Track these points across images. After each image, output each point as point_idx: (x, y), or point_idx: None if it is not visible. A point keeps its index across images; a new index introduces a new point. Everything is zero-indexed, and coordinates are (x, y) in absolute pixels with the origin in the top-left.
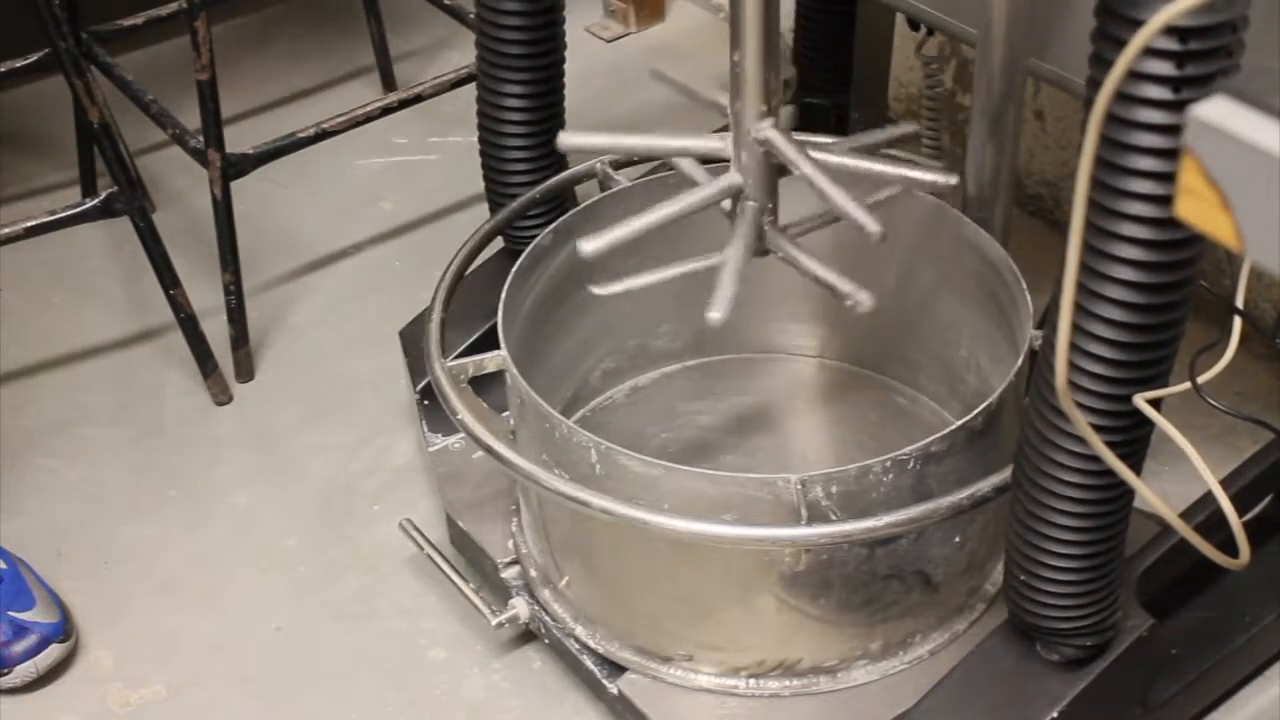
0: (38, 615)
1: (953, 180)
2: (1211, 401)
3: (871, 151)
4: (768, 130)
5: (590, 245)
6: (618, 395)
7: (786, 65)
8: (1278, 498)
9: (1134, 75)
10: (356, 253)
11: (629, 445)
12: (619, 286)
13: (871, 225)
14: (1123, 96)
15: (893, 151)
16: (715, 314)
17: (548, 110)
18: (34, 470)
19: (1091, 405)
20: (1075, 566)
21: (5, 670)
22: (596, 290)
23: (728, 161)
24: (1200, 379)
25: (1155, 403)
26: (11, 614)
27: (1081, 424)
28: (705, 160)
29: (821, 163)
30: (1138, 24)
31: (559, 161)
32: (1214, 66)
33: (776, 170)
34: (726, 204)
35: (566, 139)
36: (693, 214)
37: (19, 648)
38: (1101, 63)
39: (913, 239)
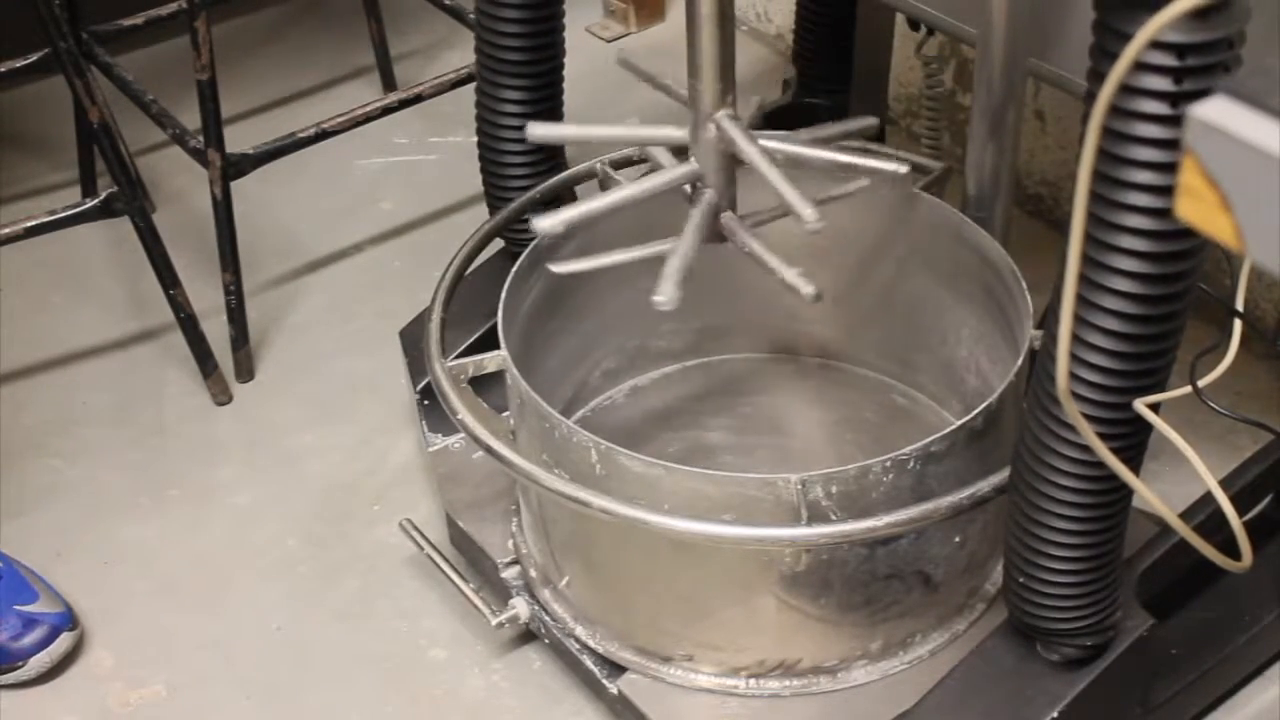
0: (43, 607)
1: (902, 170)
2: (1212, 405)
3: (830, 142)
4: (722, 119)
5: (544, 223)
6: (618, 395)
7: (786, 65)
8: (1278, 498)
9: (1132, 90)
10: (356, 253)
11: (629, 445)
12: (574, 265)
13: (809, 214)
14: (1120, 111)
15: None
16: (661, 298)
17: (547, 116)
18: (34, 470)
19: (1091, 408)
20: (1075, 568)
21: (20, 663)
22: (553, 267)
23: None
24: (1200, 382)
25: (1155, 404)
26: (17, 608)
27: (1083, 426)
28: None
29: (771, 150)
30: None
31: (557, 164)
32: (1211, 82)
33: (734, 159)
34: (689, 190)
35: (535, 130)
36: (649, 198)
37: (30, 639)
38: (1099, 78)
39: (913, 239)
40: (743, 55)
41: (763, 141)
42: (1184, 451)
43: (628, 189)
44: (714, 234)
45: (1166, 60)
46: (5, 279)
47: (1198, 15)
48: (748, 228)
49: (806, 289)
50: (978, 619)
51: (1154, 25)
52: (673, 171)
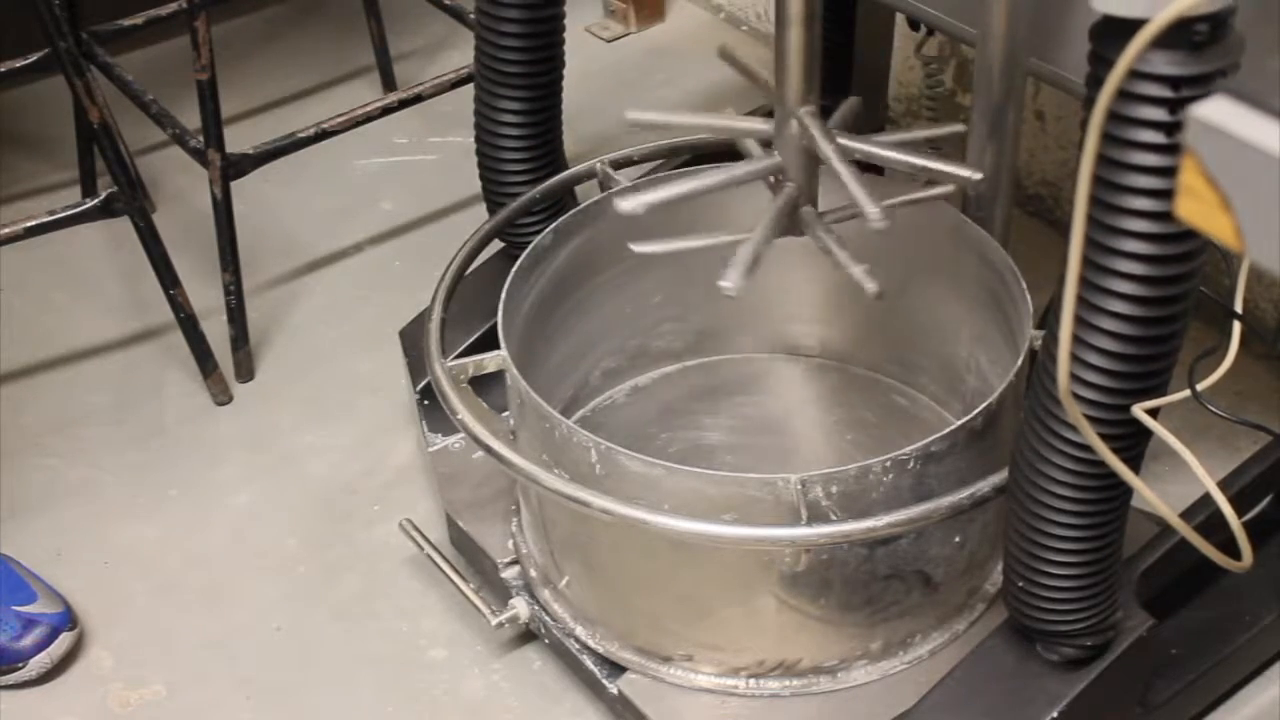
0: (42, 607)
1: (977, 175)
2: (1212, 408)
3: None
4: (804, 115)
5: (628, 204)
6: (618, 395)
7: None
8: (1277, 498)
9: (1128, 120)
10: (356, 253)
11: (629, 445)
12: (656, 247)
13: (873, 211)
14: (1117, 140)
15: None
16: (727, 284)
17: (546, 124)
18: (34, 470)
19: (1092, 411)
20: (1074, 569)
21: (20, 665)
22: (636, 248)
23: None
24: (1200, 385)
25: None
26: (16, 608)
27: (1085, 428)
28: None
29: (847, 149)
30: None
31: (556, 165)
32: None
33: (816, 156)
34: (772, 181)
35: (632, 115)
36: (731, 187)
37: (30, 640)
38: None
39: (913, 239)
40: (743, 55)
41: (841, 140)
42: (1184, 456)
43: (711, 176)
44: (791, 227)
45: (1162, 92)
46: (5, 279)
47: (1192, 48)
48: (824, 223)
49: (870, 286)
50: (978, 619)
51: (1130, 53)
52: (756, 163)
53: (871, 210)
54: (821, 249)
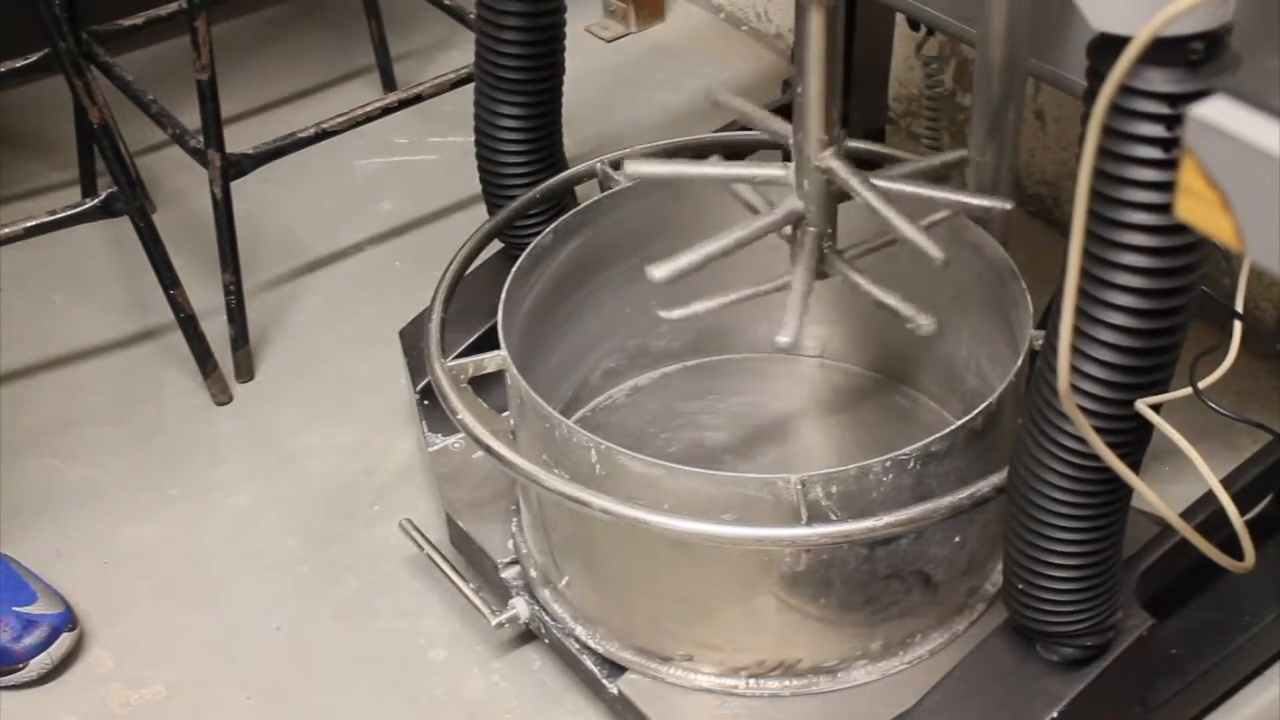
0: (42, 608)
1: (1006, 206)
2: (1214, 406)
3: (924, 177)
4: (830, 160)
5: (660, 272)
6: (618, 395)
7: (787, 65)
8: (1278, 498)
9: (1126, 136)
10: (356, 253)
11: (629, 445)
12: (687, 311)
13: (935, 251)
14: (1115, 155)
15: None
16: (784, 338)
17: (546, 125)
18: (34, 470)
19: (1093, 411)
20: (1075, 569)
21: (20, 665)
22: (665, 314)
23: (788, 187)
24: (1201, 384)
25: (1155, 405)
26: (16, 609)
27: (1086, 429)
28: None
29: (882, 190)
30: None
31: (556, 165)
32: None
33: (836, 197)
34: (788, 230)
35: (634, 167)
36: (757, 239)
37: (30, 640)
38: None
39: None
40: (743, 55)
41: (871, 179)
42: (1186, 452)
43: (734, 233)
44: (819, 270)
45: (1158, 109)
46: (5, 279)
47: (1188, 65)
48: (851, 264)
49: (923, 321)
50: (978, 619)
51: (1119, 70)
52: (778, 211)
53: (936, 253)
54: (862, 293)
